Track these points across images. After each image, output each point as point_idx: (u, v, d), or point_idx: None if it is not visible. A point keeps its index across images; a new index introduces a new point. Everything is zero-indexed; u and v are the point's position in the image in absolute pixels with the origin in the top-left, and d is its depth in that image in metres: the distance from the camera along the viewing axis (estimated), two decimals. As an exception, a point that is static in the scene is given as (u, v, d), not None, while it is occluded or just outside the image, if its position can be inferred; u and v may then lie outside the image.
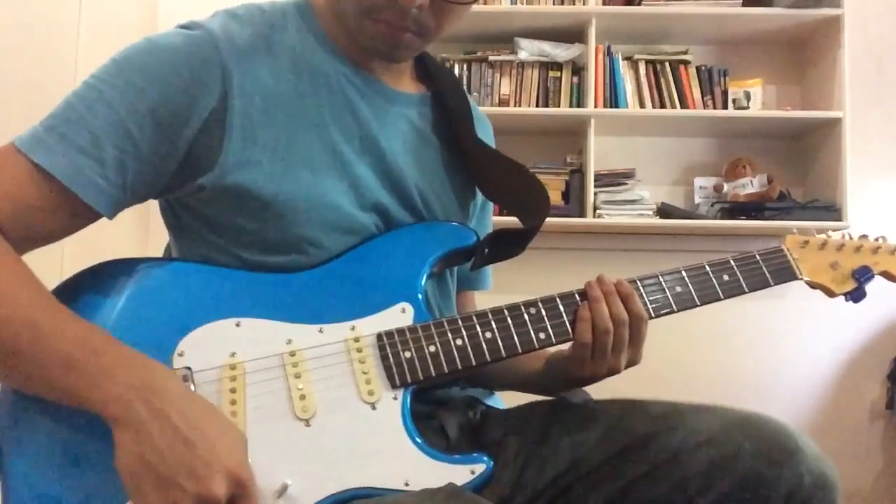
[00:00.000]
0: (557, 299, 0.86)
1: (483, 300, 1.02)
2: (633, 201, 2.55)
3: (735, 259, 0.92)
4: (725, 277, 0.91)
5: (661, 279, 0.89)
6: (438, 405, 0.91)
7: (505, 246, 0.94)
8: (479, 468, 0.78)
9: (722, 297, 0.90)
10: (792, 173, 2.69)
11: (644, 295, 0.88)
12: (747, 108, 2.61)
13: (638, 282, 0.88)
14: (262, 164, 0.81)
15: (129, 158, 0.77)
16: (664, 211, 2.57)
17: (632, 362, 0.87)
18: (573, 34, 2.62)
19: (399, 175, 0.89)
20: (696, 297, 0.89)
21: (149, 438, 0.64)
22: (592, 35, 2.54)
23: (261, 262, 0.83)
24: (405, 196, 0.90)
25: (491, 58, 2.64)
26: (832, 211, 2.46)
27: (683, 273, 0.90)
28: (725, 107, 2.61)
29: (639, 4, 2.58)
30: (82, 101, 0.77)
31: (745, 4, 2.55)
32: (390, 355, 0.80)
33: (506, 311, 0.84)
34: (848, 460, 2.62)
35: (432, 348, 0.81)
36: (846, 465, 2.62)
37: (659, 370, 2.61)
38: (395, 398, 0.79)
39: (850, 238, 0.99)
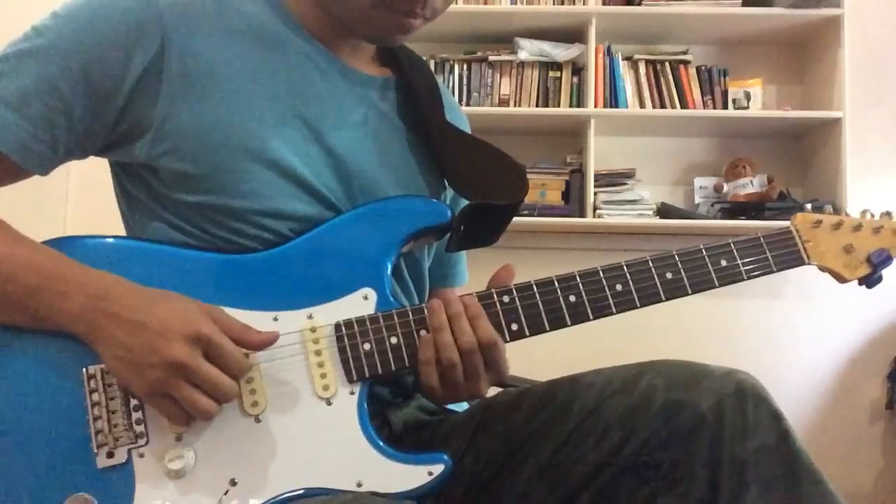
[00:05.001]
0: (534, 286, 0.79)
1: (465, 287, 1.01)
2: (633, 201, 2.55)
3: (711, 246, 0.83)
4: (723, 262, 0.82)
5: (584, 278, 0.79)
6: (390, 400, 0.89)
7: (480, 225, 0.87)
8: (438, 468, 0.74)
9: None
10: (792, 173, 2.69)
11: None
12: (747, 108, 2.61)
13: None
14: (196, 133, 0.78)
15: (58, 116, 0.76)
16: (664, 211, 2.57)
17: (497, 383, 0.81)
18: (573, 34, 2.62)
19: (351, 161, 0.85)
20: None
21: (113, 340, 0.70)
22: (592, 35, 2.54)
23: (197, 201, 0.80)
24: (350, 182, 0.85)
25: (491, 58, 2.63)
26: (832, 211, 2.45)
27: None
28: (725, 107, 2.60)
29: (639, 4, 2.57)
30: (16, 54, 0.76)
31: (745, 4, 2.55)
32: (348, 347, 0.76)
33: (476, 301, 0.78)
34: (848, 460, 2.62)
35: (394, 340, 0.76)
36: (846, 465, 2.62)
37: (659, 370, 2.61)
38: (352, 393, 0.75)
39: (872, 216, 0.91)
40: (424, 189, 0.92)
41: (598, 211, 2.52)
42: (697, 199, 2.68)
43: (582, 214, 2.53)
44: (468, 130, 1.00)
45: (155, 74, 0.77)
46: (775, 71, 2.74)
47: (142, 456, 0.72)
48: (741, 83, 2.63)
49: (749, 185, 2.58)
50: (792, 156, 2.73)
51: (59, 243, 0.77)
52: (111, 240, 0.80)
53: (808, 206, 0.91)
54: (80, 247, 0.77)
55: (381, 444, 0.75)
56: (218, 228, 0.80)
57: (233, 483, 0.72)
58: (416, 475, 0.73)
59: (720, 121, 2.61)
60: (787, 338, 2.65)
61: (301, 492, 0.72)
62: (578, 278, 0.80)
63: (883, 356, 2.63)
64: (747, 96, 2.62)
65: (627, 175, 2.60)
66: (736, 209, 2.54)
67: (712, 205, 2.62)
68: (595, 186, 2.52)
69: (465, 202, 0.88)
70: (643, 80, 2.61)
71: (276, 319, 0.76)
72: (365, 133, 0.88)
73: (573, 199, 2.57)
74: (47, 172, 0.80)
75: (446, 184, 0.95)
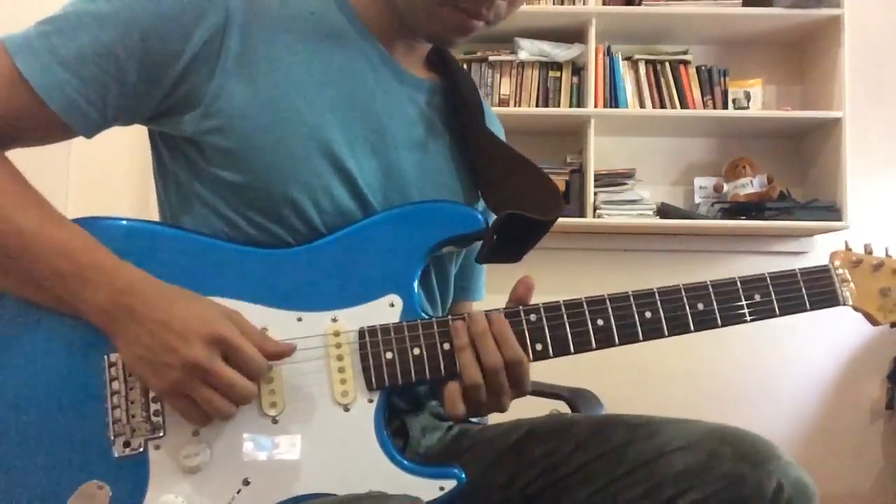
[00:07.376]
0: (562, 307, 0.78)
1: (481, 302, 1.01)
2: (633, 201, 2.55)
3: (747, 278, 0.81)
4: (757, 296, 0.80)
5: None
6: (405, 408, 0.89)
7: (512, 238, 0.85)
8: (450, 484, 0.73)
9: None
10: (792, 173, 2.69)
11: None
12: (747, 108, 2.61)
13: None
14: (247, 111, 0.77)
15: (111, 80, 0.75)
16: (664, 211, 2.57)
17: (518, 397, 0.79)
18: (573, 34, 2.62)
19: (393, 159, 0.85)
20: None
21: (133, 336, 0.70)
22: (592, 35, 2.54)
23: (243, 215, 0.80)
24: (389, 181, 0.85)
25: (491, 58, 2.63)
26: (832, 211, 2.45)
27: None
28: (725, 107, 2.61)
29: (639, 4, 2.58)
30: (77, 13, 0.75)
31: (745, 4, 2.55)
32: (370, 355, 0.75)
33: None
34: (848, 460, 2.62)
35: (416, 351, 0.75)
36: (846, 465, 2.62)
37: (658, 370, 2.61)
38: (371, 401, 0.75)
39: None
40: (460, 197, 0.91)
41: (598, 211, 2.52)
42: (697, 199, 2.68)
43: (582, 214, 2.53)
44: (503, 139, 1.00)
45: (214, 50, 0.77)
46: (775, 71, 2.74)
47: (158, 448, 0.72)
48: (741, 83, 2.63)
49: (749, 185, 2.58)
50: (792, 156, 2.73)
51: (90, 224, 0.76)
52: (142, 225, 0.79)
53: (847, 244, 0.88)
54: (110, 230, 0.77)
55: (395, 454, 0.74)
56: (254, 212, 0.79)
57: (246, 483, 0.72)
58: (427, 488, 0.73)
59: (720, 121, 2.61)
60: (787, 338, 2.65)
61: (311, 496, 0.72)
62: (608, 302, 0.78)
63: (883, 356, 2.63)
64: (747, 96, 2.62)
65: (627, 175, 2.60)
66: (736, 209, 2.54)
67: (712, 205, 2.62)
68: (595, 186, 2.52)
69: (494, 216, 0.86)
70: (643, 80, 2.61)
71: (300, 320, 0.76)
72: (409, 134, 0.87)
73: (573, 199, 2.57)
74: (92, 135, 0.80)
75: (480, 195, 0.94)
